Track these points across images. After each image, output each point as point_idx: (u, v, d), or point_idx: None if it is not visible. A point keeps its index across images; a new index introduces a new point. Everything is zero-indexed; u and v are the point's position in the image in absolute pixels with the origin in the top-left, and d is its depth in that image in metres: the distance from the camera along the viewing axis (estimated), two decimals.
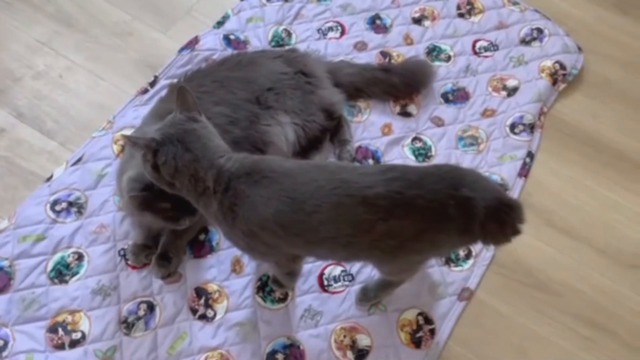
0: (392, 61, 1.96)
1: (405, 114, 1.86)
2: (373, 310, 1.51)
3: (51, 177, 1.68)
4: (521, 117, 1.85)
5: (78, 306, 1.49)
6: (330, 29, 2.03)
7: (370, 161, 1.75)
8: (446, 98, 1.90)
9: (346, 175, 1.13)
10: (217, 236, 1.59)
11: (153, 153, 1.18)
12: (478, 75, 1.95)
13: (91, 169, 1.68)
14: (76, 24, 2.01)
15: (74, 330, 1.46)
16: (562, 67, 1.95)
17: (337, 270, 1.56)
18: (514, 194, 1.71)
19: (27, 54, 1.94)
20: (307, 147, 1.69)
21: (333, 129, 1.75)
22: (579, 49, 2.02)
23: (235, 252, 1.56)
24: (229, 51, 1.90)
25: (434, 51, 2.00)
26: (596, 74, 2.00)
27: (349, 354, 1.46)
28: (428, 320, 1.51)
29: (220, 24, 2.02)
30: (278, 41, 1.99)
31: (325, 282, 1.55)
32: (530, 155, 1.80)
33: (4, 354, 1.42)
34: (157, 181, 1.22)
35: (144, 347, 1.45)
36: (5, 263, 1.53)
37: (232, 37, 1.96)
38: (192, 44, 1.94)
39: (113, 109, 1.82)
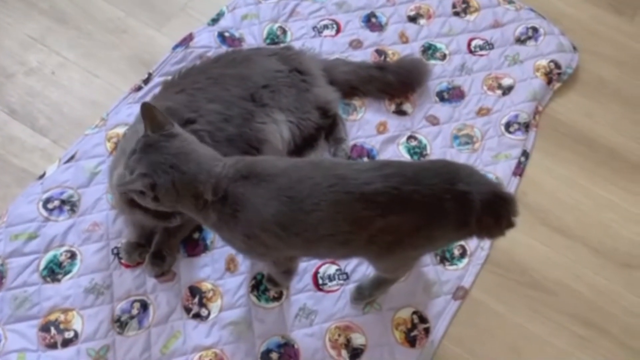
0: (388, 59, 1.95)
1: (400, 112, 1.86)
2: (368, 309, 1.51)
3: (44, 174, 1.66)
4: (516, 116, 1.85)
5: (71, 305, 1.47)
6: (326, 26, 2.02)
7: (366, 159, 1.75)
8: (441, 97, 1.90)
9: (342, 171, 1.14)
10: (211, 235, 1.58)
11: (151, 188, 1.14)
12: (473, 74, 1.95)
13: (84, 166, 1.67)
14: (69, 20, 1.99)
15: (67, 329, 1.45)
16: (557, 66, 1.96)
17: (331, 269, 1.56)
18: None
19: (20, 50, 1.92)
20: (302, 145, 1.68)
21: (328, 127, 1.74)
22: (574, 48, 2.02)
23: (230, 250, 1.55)
24: (224, 48, 1.89)
25: (429, 49, 1.99)
26: (591, 74, 2.00)
27: (344, 353, 1.46)
28: (423, 319, 1.51)
29: (214, 21, 2.01)
30: (273, 39, 1.98)
31: (320, 281, 1.54)
32: (525, 154, 1.80)
33: None
34: (158, 208, 1.20)
35: (137, 346, 1.44)
36: None
37: (226, 34, 1.95)
38: (187, 41, 1.93)
39: (106, 106, 1.81)
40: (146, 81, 1.85)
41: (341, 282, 1.54)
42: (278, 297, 1.52)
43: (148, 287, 1.51)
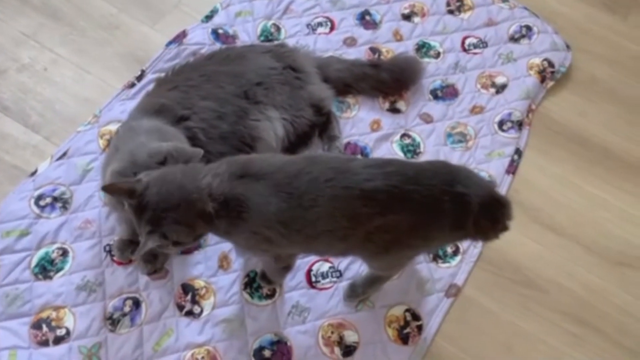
0: (382, 57, 1.95)
1: (394, 110, 1.86)
2: (361, 306, 1.51)
3: (35, 171, 1.65)
4: (509, 114, 1.85)
5: (62, 302, 1.47)
6: (320, 24, 2.02)
7: (359, 157, 1.75)
8: (435, 94, 1.90)
9: (340, 165, 1.13)
10: None
11: (164, 237, 1.16)
12: (467, 72, 1.95)
13: (76, 163, 1.66)
14: (62, 16, 1.98)
15: (59, 327, 1.44)
16: (551, 64, 1.96)
17: (325, 266, 1.56)
18: (501, 191, 1.71)
19: (12, 46, 1.91)
20: (296, 143, 1.68)
21: (322, 125, 1.74)
22: (568, 46, 2.02)
23: (223, 248, 1.55)
24: (217, 45, 1.89)
25: (423, 47, 1.99)
26: (584, 72, 2.01)
27: (337, 350, 1.46)
28: (415, 317, 1.51)
29: (208, 18, 2.00)
30: (267, 36, 1.97)
31: (313, 279, 1.54)
32: (518, 152, 1.80)
33: None
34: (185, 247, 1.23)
35: (130, 343, 1.43)
36: None
37: (220, 31, 1.95)
38: (180, 38, 1.92)
39: (99, 103, 1.80)
40: (139, 78, 1.84)
41: (334, 279, 1.54)
42: (271, 295, 1.51)
43: (140, 284, 1.50)
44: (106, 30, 1.97)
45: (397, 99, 1.87)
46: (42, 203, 1.59)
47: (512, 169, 1.77)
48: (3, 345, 1.41)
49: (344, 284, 1.53)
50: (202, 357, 1.43)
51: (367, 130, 1.80)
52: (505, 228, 1.20)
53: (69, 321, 1.45)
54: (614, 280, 1.62)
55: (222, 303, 1.50)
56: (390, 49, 1.97)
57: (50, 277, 1.50)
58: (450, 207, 1.12)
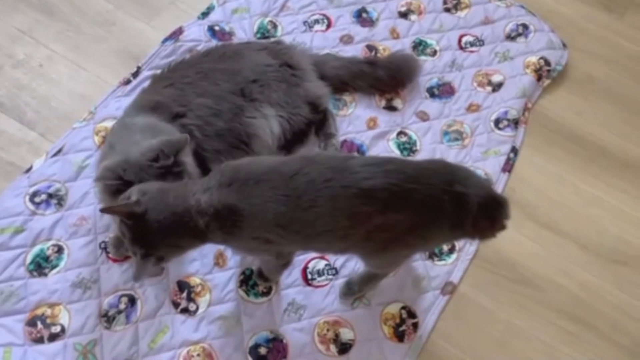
0: (378, 55, 1.95)
1: (390, 108, 1.86)
2: (357, 304, 1.51)
3: (31, 168, 1.65)
4: (506, 113, 1.85)
5: (57, 299, 1.46)
6: (317, 21, 2.01)
7: (357, 155, 1.75)
8: (431, 93, 1.90)
9: (338, 165, 1.13)
10: None
11: (161, 260, 1.18)
12: (463, 70, 1.95)
13: (72, 160, 1.65)
14: (58, 12, 1.97)
15: (53, 324, 1.44)
16: (547, 63, 1.96)
17: (321, 264, 1.56)
18: (497, 189, 1.71)
19: (7, 42, 1.90)
20: (292, 141, 1.67)
21: (318, 122, 1.74)
22: (564, 45, 2.03)
23: (219, 245, 1.54)
24: (214, 42, 1.88)
25: (420, 45, 1.99)
26: (580, 71, 2.01)
27: (332, 348, 1.46)
28: (411, 314, 1.51)
29: (205, 14, 1.99)
30: (263, 33, 1.97)
31: (309, 276, 1.54)
32: (514, 150, 1.80)
33: None
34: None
35: (125, 340, 1.43)
36: None
37: (216, 28, 1.94)
38: (176, 34, 1.91)
39: (95, 99, 1.79)
40: (135, 75, 1.83)
41: (330, 277, 1.54)
42: (267, 292, 1.51)
43: None
44: (102, 26, 1.96)
45: (394, 96, 1.87)
46: (37, 200, 1.58)
47: (508, 167, 1.77)
48: None
49: (340, 282, 1.53)
50: (198, 355, 1.43)
51: (364, 128, 1.80)
52: (503, 227, 1.20)
53: (64, 318, 1.44)
54: (609, 278, 1.63)
55: (218, 300, 1.50)
56: (387, 47, 1.97)
57: (45, 274, 1.49)
58: (450, 207, 1.12)
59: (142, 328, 1.45)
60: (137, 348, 1.42)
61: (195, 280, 1.52)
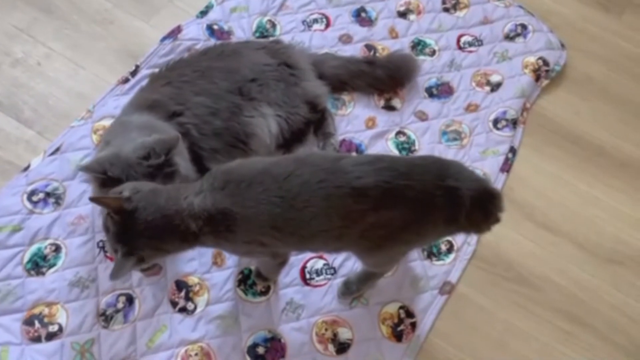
0: (377, 54, 1.95)
1: (389, 107, 1.86)
2: (355, 303, 1.51)
3: (28, 167, 1.64)
4: (504, 113, 1.85)
5: (55, 298, 1.46)
6: (315, 20, 2.01)
7: (354, 154, 1.75)
8: (430, 92, 1.90)
9: (331, 165, 1.13)
10: None
11: (142, 261, 1.16)
12: (462, 70, 1.95)
13: (70, 159, 1.65)
14: (56, 10, 1.97)
15: (51, 323, 1.43)
16: (546, 63, 1.96)
17: (319, 263, 1.56)
18: None
19: (5, 40, 1.89)
20: (290, 140, 1.67)
21: (317, 122, 1.74)
22: (562, 45, 2.03)
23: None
24: (212, 41, 1.88)
25: (418, 45, 1.99)
26: (579, 71, 2.01)
27: (330, 347, 1.46)
28: (409, 314, 1.51)
29: (203, 13, 1.99)
30: (262, 32, 1.97)
31: (308, 276, 1.54)
32: (513, 150, 1.81)
33: None
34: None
35: (123, 340, 1.43)
36: None
37: (215, 27, 1.94)
38: (175, 33, 1.91)
39: (93, 98, 1.79)
40: (133, 73, 1.83)
41: (328, 276, 1.54)
42: (265, 292, 1.51)
43: (134, 280, 1.50)
44: (100, 25, 1.96)
45: (393, 96, 1.87)
46: (34, 198, 1.58)
47: (506, 167, 1.77)
48: None
49: (338, 281, 1.53)
50: (196, 354, 1.42)
51: (362, 127, 1.80)
52: (497, 220, 1.20)
53: (61, 317, 1.44)
54: (605, 278, 1.63)
55: (216, 300, 1.49)
56: (386, 47, 1.97)
57: (43, 273, 1.49)
58: (443, 202, 1.13)
59: (140, 327, 1.45)
60: (135, 347, 1.42)
61: (193, 280, 1.52)
